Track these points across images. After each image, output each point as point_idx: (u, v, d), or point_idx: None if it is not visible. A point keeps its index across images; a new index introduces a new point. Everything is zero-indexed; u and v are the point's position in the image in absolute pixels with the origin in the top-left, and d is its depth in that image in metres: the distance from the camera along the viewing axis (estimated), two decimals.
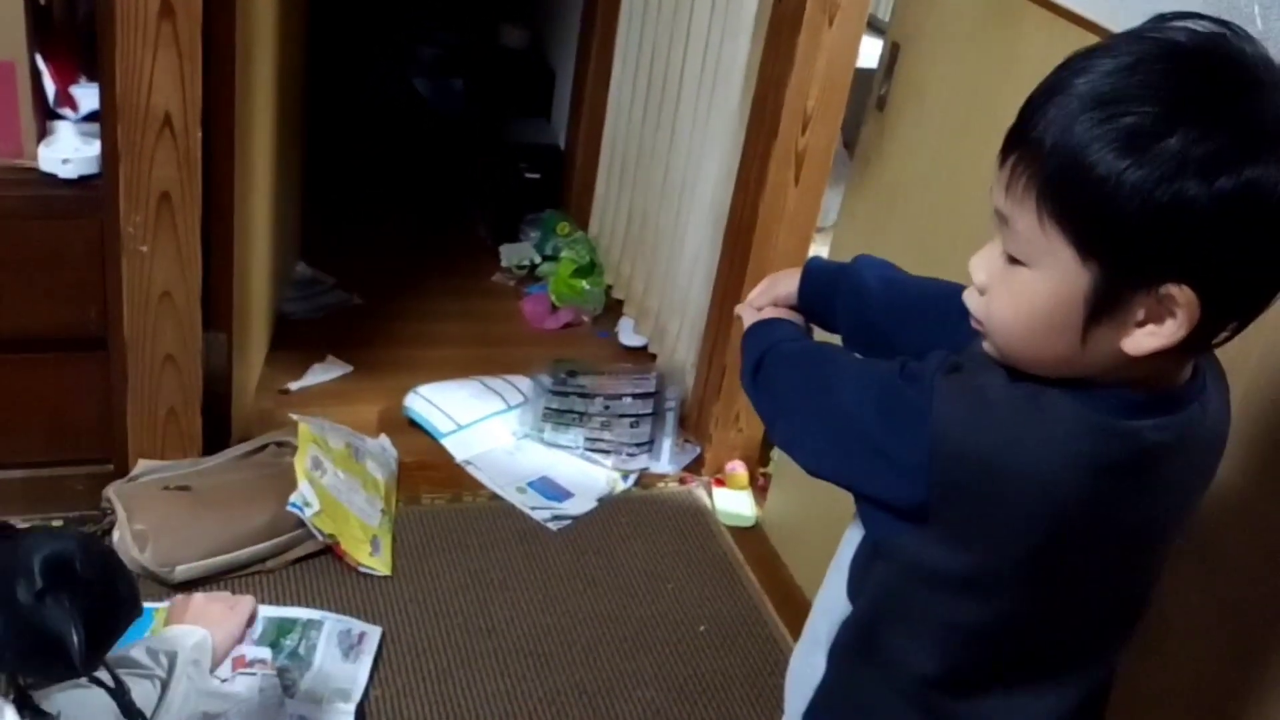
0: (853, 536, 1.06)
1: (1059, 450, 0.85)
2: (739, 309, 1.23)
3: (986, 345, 0.91)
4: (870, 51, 2.16)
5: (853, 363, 1.01)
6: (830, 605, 1.07)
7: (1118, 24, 1.42)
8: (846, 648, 1.04)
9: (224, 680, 1.68)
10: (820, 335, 1.18)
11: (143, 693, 1.26)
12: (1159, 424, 0.86)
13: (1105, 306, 0.82)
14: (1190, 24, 0.81)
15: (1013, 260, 0.85)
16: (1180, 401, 0.88)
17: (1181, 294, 0.79)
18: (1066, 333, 0.83)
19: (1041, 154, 0.81)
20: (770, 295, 1.20)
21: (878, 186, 1.99)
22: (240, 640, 1.58)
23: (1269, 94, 0.78)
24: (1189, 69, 0.78)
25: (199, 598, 1.55)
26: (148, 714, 1.24)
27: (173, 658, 1.32)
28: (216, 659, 1.44)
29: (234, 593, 1.91)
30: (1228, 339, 0.86)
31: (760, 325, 1.16)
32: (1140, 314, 0.81)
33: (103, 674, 1.20)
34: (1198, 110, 0.77)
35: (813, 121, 2.20)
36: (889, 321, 1.12)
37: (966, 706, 0.99)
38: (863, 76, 2.17)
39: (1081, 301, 0.82)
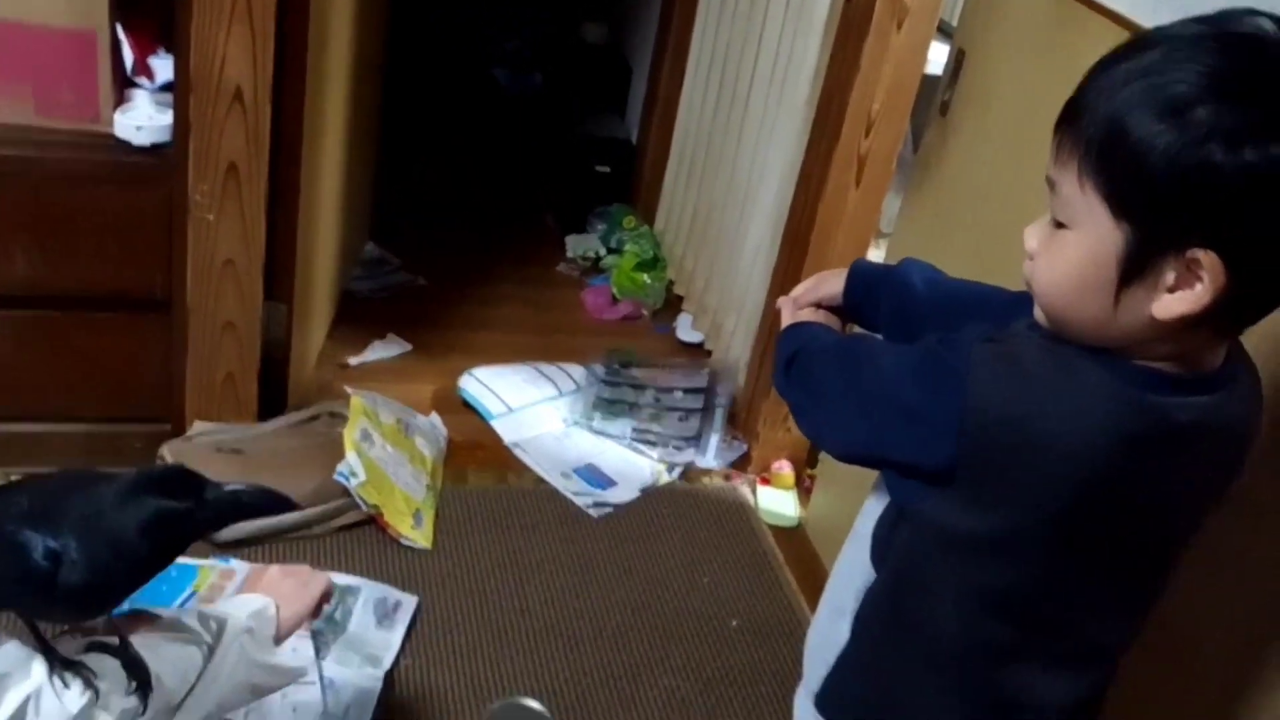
0: (872, 508, 1.09)
1: (1086, 417, 0.88)
2: (780, 301, 1.25)
3: (1036, 310, 0.95)
4: (941, 57, 2.14)
5: (886, 344, 1.06)
6: (852, 574, 1.09)
7: None
8: (872, 615, 1.06)
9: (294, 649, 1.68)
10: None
11: (186, 657, 1.23)
12: (1184, 403, 0.89)
13: (1136, 268, 0.85)
14: (1249, 18, 0.84)
15: (1058, 225, 0.90)
16: (1208, 385, 0.90)
17: (1207, 259, 0.82)
18: (1100, 293, 0.87)
19: (1086, 119, 0.86)
20: (815, 294, 1.22)
21: (938, 192, 1.98)
22: (315, 617, 1.54)
23: None
24: (1235, 49, 0.82)
25: (274, 570, 1.51)
26: (191, 678, 1.22)
27: (223, 624, 1.28)
28: (280, 633, 1.38)
29: (293, 559, 1.96)
30: (1256, 318, 0.88)
31: (796, 326, 1.19)
32: (1170, 278, 0.84)
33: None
34: (1235, 85, 0.81)
35: (876, 125, 2.19)
36: (933, 321, 1.13)
37: (989, 676, 1.01)
38: (933, 83, 2.16)
39: (1115, 262, 0.86)
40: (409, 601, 1.96)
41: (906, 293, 1.17)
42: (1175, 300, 0.84)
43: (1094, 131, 0.85)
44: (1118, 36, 1.51)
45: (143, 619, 1.31)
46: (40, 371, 1.99)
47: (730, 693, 1.95)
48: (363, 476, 2.05)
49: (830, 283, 1.22)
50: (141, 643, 1.20)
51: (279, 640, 1.38)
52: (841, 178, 2.25)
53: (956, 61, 1.92)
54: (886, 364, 1.00)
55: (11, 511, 1.10)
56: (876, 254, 2.43)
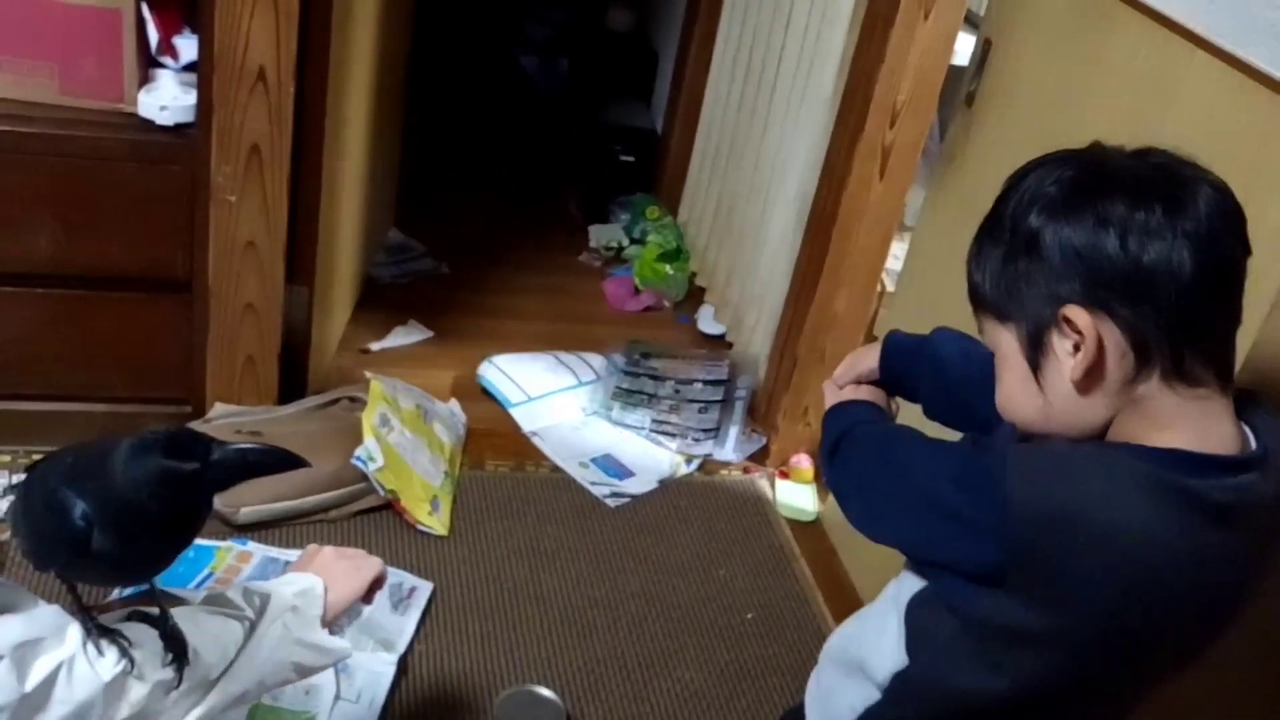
0: (910, 581, 1.05)
1: (1131, 503, 0.88)
2: (824, 385, 1.26)
3: None
4: (967, 48, 2.12)
5: (925, 442, 1.05)
6: (885, 651, 1.06)
7: (1207, 27, 1.39)
8: (906, 694, 1.04)
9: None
10: (904, 406, 1.24)
11: (226, 632, 1.21)
12: (1219, 485, 0.88)
13: (1035, 353, 0.93)
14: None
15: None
16: (1236, 467, 0.90)
17: (1072, 312, 0.89)
18: (1028, 388, 0.95)
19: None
20: (853, 372, 1.24)
21: (961, 185, 1.96)
22: (368, 602, 1.51)
23: (1122, 172, 0.91)
24: (1077, 162, 0.93)
25: (328, 552, 1.47)
26: (231, 653, 1.21)
27: (266, 600, 1.26)
28: (328, 615, 1.35)
29: (308, 543, 1.94)
30: (1181, 345, 0.89)
31: (839, 407, 1.19)
32: (1067, 346, 0.91)
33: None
34: (1053, 165, 0.93)
35: (901, 116, 2.17)
36: (966, 392, 1.15)
37: None
38: (960, 73, 2.14)
39: (1022, 357, 0.94)
40: (424, 587, 1.95)
41: (940, 367, 1.19)
42: (1078, 360, 0.90)
43: (969, 266, 0.97)
44: (1142, 27, 1.50)
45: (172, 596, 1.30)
46: (61, 350, 1.99)
47: (744, 686, 1.94)
48: (380, 461, 2.05)
49: (866, 359, 1.23)
50: (182, 615, 1.19)
51: (326, 622, 1.35)
52: (865, 169, 2.22)
53: (983, 52, 1.90)
54: (925, 466, 1.00)
55: (57, 470, 1.10)
56: (900, 247, 2.41)
